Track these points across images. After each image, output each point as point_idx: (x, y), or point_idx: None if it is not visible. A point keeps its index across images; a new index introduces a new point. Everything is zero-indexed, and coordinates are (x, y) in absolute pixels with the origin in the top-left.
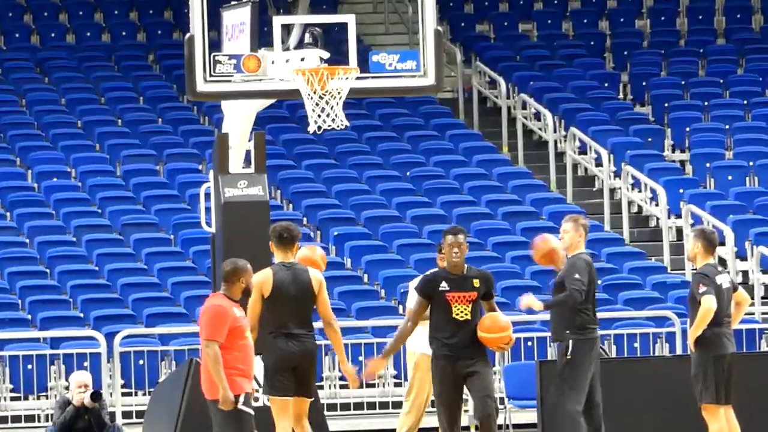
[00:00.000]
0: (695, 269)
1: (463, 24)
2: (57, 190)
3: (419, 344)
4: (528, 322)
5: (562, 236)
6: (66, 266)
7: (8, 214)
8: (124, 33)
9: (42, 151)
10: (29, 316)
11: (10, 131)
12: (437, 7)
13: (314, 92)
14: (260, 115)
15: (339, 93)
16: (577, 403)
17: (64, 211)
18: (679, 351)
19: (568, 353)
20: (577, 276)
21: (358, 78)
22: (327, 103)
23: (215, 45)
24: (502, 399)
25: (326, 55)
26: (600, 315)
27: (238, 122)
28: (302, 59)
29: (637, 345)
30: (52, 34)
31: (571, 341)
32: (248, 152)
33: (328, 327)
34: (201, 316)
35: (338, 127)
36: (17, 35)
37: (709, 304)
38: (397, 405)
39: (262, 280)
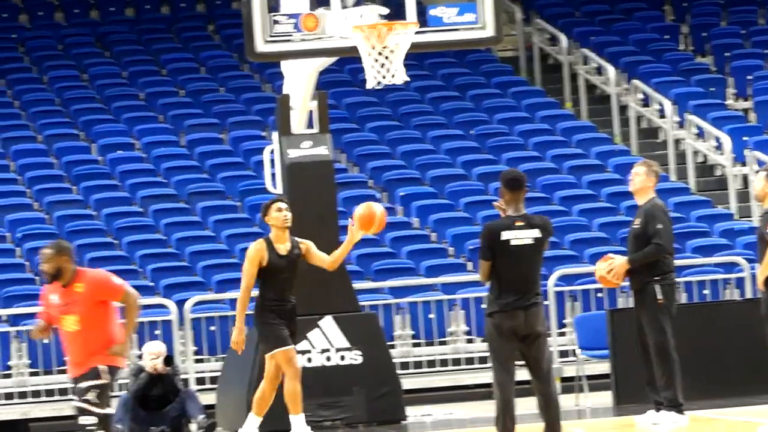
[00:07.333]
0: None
1: None
2: (122, 162)
3: None
4: None
5: (633, 178)
6: (134, 237)
7: (74, 187)
8: (183, 4)
9: (105, 124)
10: None
11: (73, 106)
12: None
13: (373, 48)
14: (322, 81)
15: (398, 48)
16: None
17: (130, 182)
18: (749, 296)
19: (658, 298)
20: (659, 226)
21: (416, 32)
22: (386, 58)
23: (274, 9)
24: (574, 351)
25: (385, 11)
26: None
27: (299, 83)
28: (360, 16)
29: (707, 291)
30: (112, 8)
31: (657, 287)
32: (311, 114)
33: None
34: None
35: (399, 81)
36: (77, 11)
37: None
38: (470, 361)
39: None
